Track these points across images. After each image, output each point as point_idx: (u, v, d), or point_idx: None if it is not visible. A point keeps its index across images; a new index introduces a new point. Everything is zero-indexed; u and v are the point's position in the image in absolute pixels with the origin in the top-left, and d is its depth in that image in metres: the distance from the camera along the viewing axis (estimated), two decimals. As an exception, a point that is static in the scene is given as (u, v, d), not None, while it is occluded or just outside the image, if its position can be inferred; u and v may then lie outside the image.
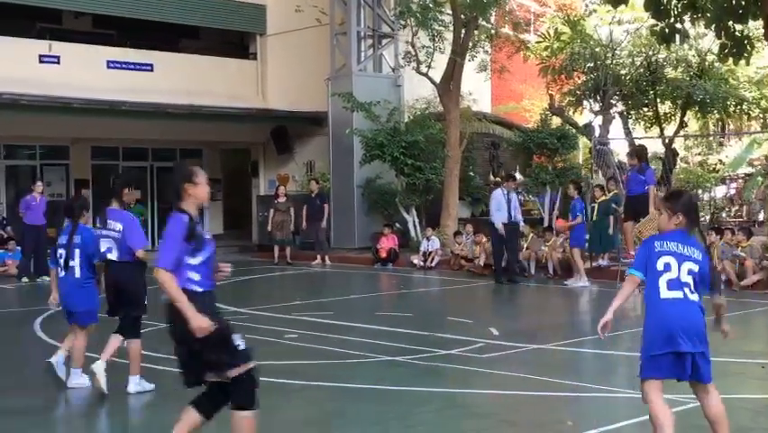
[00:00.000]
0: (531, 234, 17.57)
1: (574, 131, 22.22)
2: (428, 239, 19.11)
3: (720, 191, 25.98)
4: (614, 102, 21.92)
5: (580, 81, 22.40)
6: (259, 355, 9.34)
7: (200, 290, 5.05)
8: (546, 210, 21.09)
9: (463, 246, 18.35)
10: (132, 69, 22.08)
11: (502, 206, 16.13)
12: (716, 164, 26.19)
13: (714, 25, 9.38)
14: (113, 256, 7.61)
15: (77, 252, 7.71)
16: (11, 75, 19.47)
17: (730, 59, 9.73)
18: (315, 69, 22.80)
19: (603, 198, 16.11)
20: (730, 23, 9.22)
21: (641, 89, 21.80)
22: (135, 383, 7.54)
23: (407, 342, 9.86)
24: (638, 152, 15.48)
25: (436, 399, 7.48)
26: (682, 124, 22.89)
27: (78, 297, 7.79)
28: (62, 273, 7.80)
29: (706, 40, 20.48)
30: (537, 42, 23.11)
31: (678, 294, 5.11)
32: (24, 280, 17.12)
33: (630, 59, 22.03)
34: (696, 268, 5.15)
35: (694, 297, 5.18)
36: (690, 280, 5.15)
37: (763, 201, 23.91)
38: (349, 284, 17.63)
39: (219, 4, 23.56)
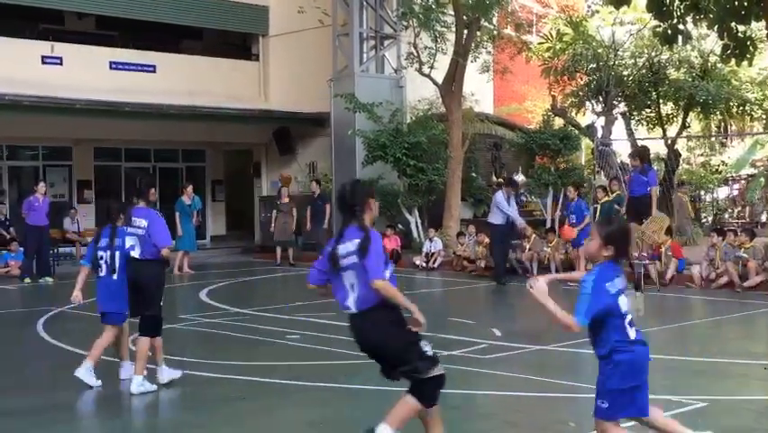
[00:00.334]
0: (533, 236, 17.56)
1: (577, 132, 22.20)
2: (431, 240, 19.10)
3: (723, 192, 25.98)
4: (616, 103, 21.92)
5: (582, 82, 22.39)
6: (261, 356, 9.40)
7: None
8: (549, 211, 21.07)
9: (466, 247, 18.35)
10: (134, 70, 22.11)
11: (503, 205, 16.24)
12: (718, 165, 26.18)
13: (716, 26, 9.37)
14: (135, 254, 7.70)
15: (117, 254, 7.83)
16: (13, 76, 19.49)
17: (733, 61, 9.73)
18: (317, 70, 22.80)
19: (606, 199, 16.10)
20: (733, 24, 9.21)
21: (643, 90, 21.80)
22: (138, 384, 7.53)
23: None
24: (640, 154, 15.47)
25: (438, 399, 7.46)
26: (685, 125, 22.88)
27: (118, 298, 7.88)
28: (101, 274, 7.91)
29: (708, 41, 20.47)
30: (540, 43, 23.11)
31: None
32: (27, 280, 17.13)
33: (633, 60, 22.03)
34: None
35: None
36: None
37: (765, 202, 23.90)
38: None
39: (222, 6, 23.59)
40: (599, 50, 21.41)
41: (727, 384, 8.13)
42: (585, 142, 23.61)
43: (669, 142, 22.37)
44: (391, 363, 5.32)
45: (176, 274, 18.07)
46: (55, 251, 19.35)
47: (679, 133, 22.75)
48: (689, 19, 9.68)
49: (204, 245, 23.70)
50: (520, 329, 11.29)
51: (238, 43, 25.63)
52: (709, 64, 21.46)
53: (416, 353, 5.21)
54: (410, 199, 20.56)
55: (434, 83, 20.38)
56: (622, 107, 22.37)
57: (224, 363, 8.80)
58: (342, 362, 8.99)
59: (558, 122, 22.41)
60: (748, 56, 9.41)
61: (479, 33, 20.63)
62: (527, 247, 17.40)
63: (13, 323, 12.51)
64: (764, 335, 11.96)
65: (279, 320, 11.79)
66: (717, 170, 25.75)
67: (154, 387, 7.66)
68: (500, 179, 21.44)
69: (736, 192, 26.82)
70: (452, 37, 20.12)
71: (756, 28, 12.51)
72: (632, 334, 4.87)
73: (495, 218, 16.39)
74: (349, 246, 5.22)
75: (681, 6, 9.29)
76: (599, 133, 21.11)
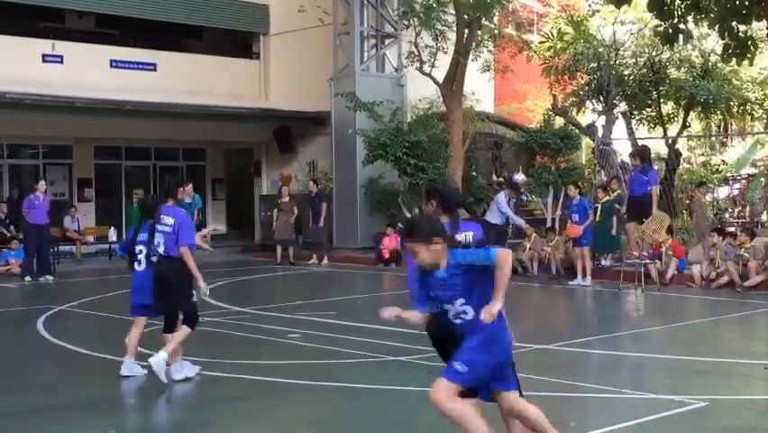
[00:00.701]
0: (534, 235, 17.56)
1: (577, 131, 22.19)
2: (431, 239, 19.05)
3: (723, 192, 25.98)
4: (617, 102, 21.90)
5: (583, 81, 22.37)
6: (261, 355, 9.39)
7: None
8: (549, 211, 21.06)
9: (466, 246, 18.31)
10: (135, 69, 22.11)
11: (504, 208, 16.30)
12: (719, 165, 26.17)
13: (717, 26, 9.35)
14: (161, 250, 7.89)
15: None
16: (14, 74, 19.49)
17: (733, 60, 9.71)
18: (318, 68, 22.80)
19: (606, 198, 16.10)
20: (734, 23, 9.19)
21: (644, 90, 21.78)
22: (176, 370, 7.86)
23: (410, 342, 9.83)
24: (641, 153, 15.46)
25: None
26: (685, 125, 22.87)
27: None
28: (140, 268, 8.08)
29: (709, 40, 20.45)
30: (540, 42, 23.09)
31: None
32: (27, 279, 17.13)
33: (633, 60, 22.01)
34: None
35: None
36: None
37: (766, 202, 23.89)
38: (351, 284, 17.62)
39: (223, 4, 23.58)
40: (600, 50, 21.38)
41: (728, 384, 8.12)
42: (586, 142, 23.60)
43: (669, 141, 22.36)
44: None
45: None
46: (55, 249, 19.36)
47: (679, 133, 22.74)
48: (689, 18, 9.67)
49: (204, 245, 23.67)
50: (520, 329, 11.24)
51: (239, 42, 25.63)
52: (710, 64, 21.44)
53: None
54: (410, 198, 20.54)
55: (435, 82, 20.37)
56: (623, 107, 22.35)
57: (225, 361, 8.80)
58: (342, 361, 9.00)
59: (559, 121, 22.40)
60: (749, 55, 9.40)
61: (479, 32, 20.61)
62: (528, 246, 17.40)
63: (13, 321, 12.51)
64: (765, 334, 11.96)
65: (280, 319, 11.79)
66: (717, 169, 25.75)
67: (143, 372, 7.97)
68: (501, 179, 21.46)
69: (736, 192, 26.82)
70: (452, 36, 20.11)
71: (757, 28, 12.49)
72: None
73: (494, 218, 16.43)
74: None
75: (682, 6, 9.28)
76: (600, 133, 21.09)
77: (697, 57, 21.69)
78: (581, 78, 22.36)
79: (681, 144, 23.74)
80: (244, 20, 24.25)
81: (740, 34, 9.21)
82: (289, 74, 23.71)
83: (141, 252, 8.06)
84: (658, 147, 23.21)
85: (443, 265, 4.85)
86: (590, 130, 22.02)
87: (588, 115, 23.84)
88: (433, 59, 20.38)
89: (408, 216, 20.68)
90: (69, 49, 21.24)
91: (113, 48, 22.33)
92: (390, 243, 19.61)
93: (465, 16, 19.71)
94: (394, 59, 22.65)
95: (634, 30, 21.70)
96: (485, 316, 4.76)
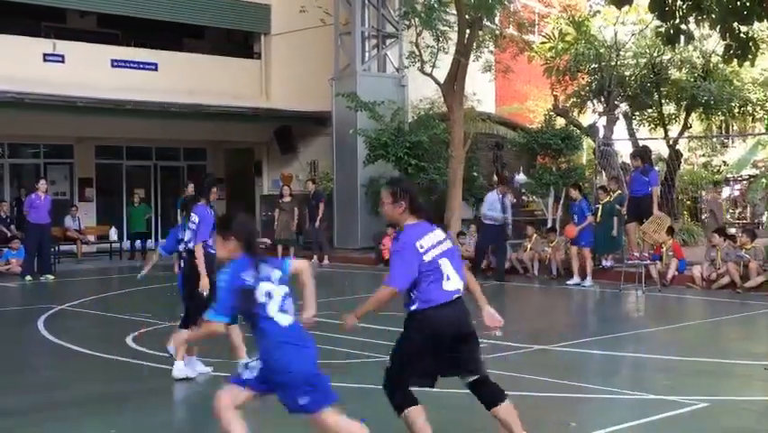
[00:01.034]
0: (534, 235, 17.56)
1: (578, 132, 22.18)
2: (432, 240, 19.05)
3: (724, 193, 25.96)
4: (618, 103, 21.91)
5: (584, 82, 22.38)
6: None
7: None
8: (550, 211, 21.06)
9: (467, 247, 18.33)
10: (136, 69, 22.10)
11: (495, 207, 16.34)
12: (719, 166, 26.15)
13: (719, 26, 9.34)
14: (191, 246, 8.09)
15: None
16: (15, 74, 19.49)
17: (735, 61, 9.70)
18: (319, 68, 22.81)
19: (607, 199, 16.09)
20: (735, 24, 9.18)
21: (645, 90, 21.78)
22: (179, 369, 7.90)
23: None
24: (641, 154, 15.46)
25: (439, 399, 7.46)
26: (686, 126, 22.86)
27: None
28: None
29: (710, 41, 20.44)
30: (542, 43, 23.09)
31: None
32: (28, 278, 17.13)
33: (634, 61, 22.01)
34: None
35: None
36: None
37: (767, 203, 23.88)
38: (352, 284, 17.61)
39: (224, 4, 23.58)
40: (601, 50, 21.38)
41: (729, 385, 8.12)
42: (587, 142, 23.60)
43: (670, 142, 22.36)
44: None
45: (177, 273, 18.03)
46: (56, 249, 19.36)
47: (680, 134, 22.74)
48: (691, 19, 9.65)
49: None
50: (521, 329, 11.28)
51: (240, 42, 25.64)
52: (711, 64, 21.44)
53: None
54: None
55: (436, 82, 20.36)
56: (624, 107, 22.36)
57: (224, 361, 8.79)
58: (342, 361, 9.00)
59: (560, 122, 22.40)
60: (750, 56, 9.38)
61: (481, 33, 20.60)
62: (528, 247, 17.40)
63: (13, 321, 12.52)
64: (765, 335, 11.95)
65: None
66: (718, 170, 25.73)
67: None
68: (495, 178, 21.47)
69: (737, 193, 26.79)
70: (454, 36, 20.11)
71: (759, 28, 12.51)
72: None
73: (487, 218, 16.56)
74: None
75: (683, 6, 9.27)
76: (601, 133, 21.08)
77: (698, 58, 21.69)
78: (582, 78, 22.37)
79: (682, 145, 23.74)
80: (246, 20, 24.25)
81: (741, 35, 9.20)
82: (290, 74, 23.71)
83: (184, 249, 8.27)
84: (659, 148, 23.21)
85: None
86: (591, 131, 22.02)
87: (589, 116, 23.85)
88: (434, 60, 20.37)
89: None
90: (71, 48, 21.24)
91: (114, 47, 22.35)
92: (391, 243, 19.57)
93: (467, 16, 19.70)
94: (395, 59, 22.65)
95: (635, 30, 21.69)
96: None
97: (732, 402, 7.31)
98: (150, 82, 21.92)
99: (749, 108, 22.68)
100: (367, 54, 22.54)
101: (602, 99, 21.84)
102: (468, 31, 19.92)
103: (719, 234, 15.59)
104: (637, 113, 22.63)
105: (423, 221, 5.40)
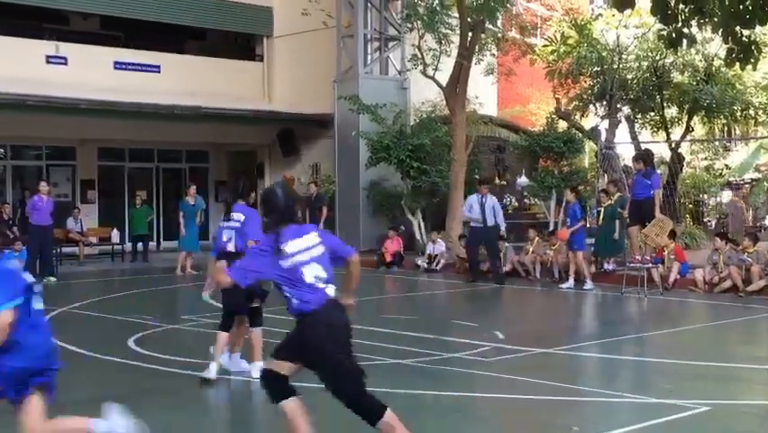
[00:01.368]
0: (536, 238, 17.57)
1: (580, 135, 22.19)
2: (433, 242, 19.10)
3: (726, 196, 25.95)
4: (620, 106, 21.90)
5: (586, 85, 22.38)
6: (264, 357, 9.36)
7: None
8: (552, 214, 21.06)
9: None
10: (138, 71, 22.12)
11: (474, 209, 16.43)
12: (722, 169, 26.14)
13: (721, 30, 9.33)
14: (231, 248, 7.99)
15: None
16: (18, 75, 19.51)
17: (737, 64, 9.69)
18: (321, 71, 22.82)
19: (609, 202, 16.10)
20: (737, 27, 9.17)
21: (647, 94, 21.78)
22: (257, 369, 7.82)
23: (412, 345, 9.84)
24: (644, 157, 15.44)
25: (441, 402, 7.47)
26: (689, 129, 22.86)
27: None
28: None
29: (713, 44, 20.43)
30: (544, 46, 23.09)
31: None
32: (30, 280, 17.11)
33: (637, 64, 22.00)
34: None
35: None
36: None
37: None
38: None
39: (226, 7, 23.60)
40: (604, 54, 21.38)
41: (731, 388, 8.11)
42: (589, 146, 23.61)
43: (673, 145, 22.36)
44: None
45: (178, 275, 18.08)
46: (58, 251, 19.37)
47: (683, 137, 22.73)
48: (693, 23, 9.65)
49: (207, 246, 23.68)
50: (523, 332, 11.29)
51: (242, 44, 25.66)
52: (714, 68, 21.43)
53: None
54: (413, 201, 20.56)
55: (438, 85, 20.39)
56: (626, 111, 22.36)
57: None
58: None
59: (562, 125, 22.41)
60: (752, 60, 9.37)
61: (483, 36, 20.63)
62: (530, 250, 17.40)
63: (15, 322, 12.49)
64: (767, 339, 11.94)
65: (282, 321, 11.75)
66: (720, 173, 25.72)
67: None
68: (502, 182, 21.47)
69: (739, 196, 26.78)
70: (456, 39, 20.13)
71: (761, 32, 12.51)
72: None
73: (472, 221, 16.76)
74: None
75: (686, 10, 9.26)
76: (603, 137, 21.09)
77: (700, 61, 21.69)
78: (585, 81, 22.37)
79: (684, 149, 23.73)
80: (248, 22, 24.27)
81: (744, 38, 9.19)
82: (293, 76, 23.73)
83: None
84: (661, 151, 23.20)
85: None
86: (594, 134, 22.02)
87: (591, 119, 23.85)
88: (436, 63, 20.40)
89: (411, 218, 20.71)
90: (73, 50, 21.26)
91: (117, 50, 22.36)
92: (392, 245, 19.61)
93: (469, 19, 19.72)
94: (397, 61, 22.67)
95: (637, 34, 21.70)
96: None
97: (733, 406, 7.30)
98: (152, 84, 21.94)
99: (751, 112, 22.67)
100: (369, 57, 22.55)
101: (604, 102, 21.84)
102: (470, 34, 19.94)
103: (721, 237, 15.59)
104: (639, 116, 22.62)
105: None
